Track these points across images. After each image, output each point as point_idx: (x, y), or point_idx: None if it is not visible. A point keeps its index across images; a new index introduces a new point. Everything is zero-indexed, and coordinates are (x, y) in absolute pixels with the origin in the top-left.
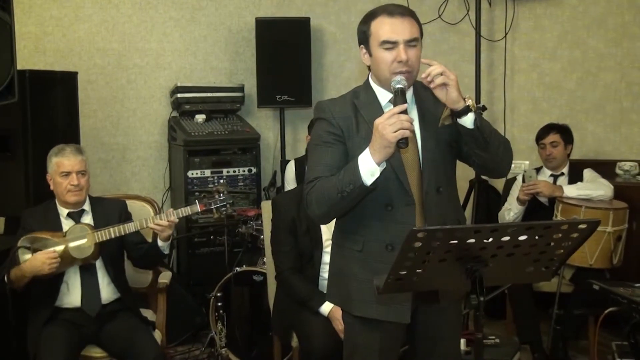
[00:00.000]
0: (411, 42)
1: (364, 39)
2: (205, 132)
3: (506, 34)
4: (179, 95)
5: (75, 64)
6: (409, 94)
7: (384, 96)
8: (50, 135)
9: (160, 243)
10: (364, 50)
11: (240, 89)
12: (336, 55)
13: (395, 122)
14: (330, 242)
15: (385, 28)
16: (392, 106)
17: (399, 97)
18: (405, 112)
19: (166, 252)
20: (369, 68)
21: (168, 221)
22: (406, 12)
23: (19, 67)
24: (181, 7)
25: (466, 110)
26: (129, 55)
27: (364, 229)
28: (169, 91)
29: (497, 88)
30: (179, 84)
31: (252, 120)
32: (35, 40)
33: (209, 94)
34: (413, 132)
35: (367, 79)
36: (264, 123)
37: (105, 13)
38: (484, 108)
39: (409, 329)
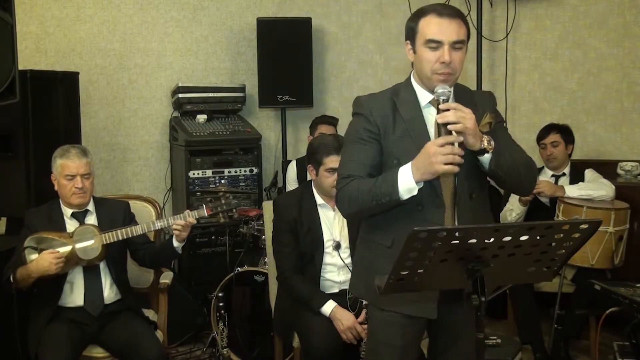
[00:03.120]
0: (456, 44)
1: (410, 35)
2: (206, 132)
3: (507, 34)
4: (180, 95)
5: (76, 64)
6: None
7: (424, 96)
8: (52, 136)
9: (175, 244)
10: (409, 47)
11: (242, 89)
12: (337, 55)
13: (448, 152)
14: (330, 242)
15: (433, 27)
16: (431, 108)
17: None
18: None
19: (180, 252)
20: (412, 65)
21: (186, 222)
22: (455, 14)
23: (20, 67)
24: (182, 7)
25: (482, 151)
26: (130, 55)
27: (394, 227)
28: (170, 91)
29: (499, 88)
30: (180, 84)
31: (253, 120)
32: (37, 40)
33: (210, 94)
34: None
35: (409, 77)
36: (265, 123)
37: (107, 13)
38: None
39: (431, 324)
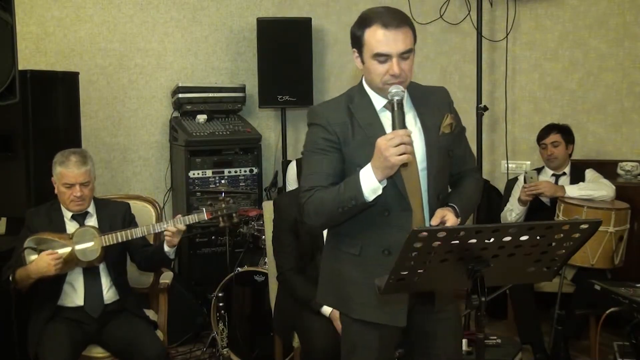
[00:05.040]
0: (405, 54)
1: (356, 44)
2: (206, 132)
3: (507, 34)
4: (180, 95)
5: (76, 64)
6: (405, 97)
7: (378, 101)
8: (52, 136)
9: (166, 249)
10: (357, 54)
11: (242, 89)
12: (337, 56)
13: (398, 144)
14: None
15: (379, 40)
16: (387, 112)
17: (397, 111)
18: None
19: (172, 257)
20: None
21: (175, 227)
22: (401, 22)
23: (20, 67)
24: (182, 7)
25: None
26: (130, 55)
27: (361, 234)
28: (170, 91)
29: (499, 88)
30: (180, 84)
31: (253, 120)
32: (37, 40)
33: (210, 94)
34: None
35: (361, 82)
36: (265, 123)
37: (107, 13)
38: (485, 108)
39: (405, 328)
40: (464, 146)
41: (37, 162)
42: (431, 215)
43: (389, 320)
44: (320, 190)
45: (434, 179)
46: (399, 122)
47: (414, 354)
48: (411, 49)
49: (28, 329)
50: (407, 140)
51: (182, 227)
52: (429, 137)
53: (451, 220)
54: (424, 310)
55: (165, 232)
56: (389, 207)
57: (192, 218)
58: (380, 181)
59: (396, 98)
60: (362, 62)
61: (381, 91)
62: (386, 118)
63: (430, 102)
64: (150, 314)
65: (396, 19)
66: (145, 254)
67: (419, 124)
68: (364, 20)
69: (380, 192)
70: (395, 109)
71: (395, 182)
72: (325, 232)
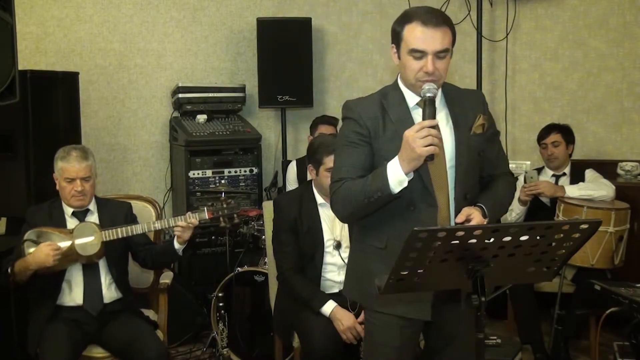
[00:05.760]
0: (441, 53)
1: (395, 39)
2: (206, 132)
3: (507, 34)
4: (180, 95)
5: (76, 64)
6: (438, 95)
7: (411, 98)
8: (52, 136)
9: (176, 246)
10: (394, 50)
11: (242, 89)
12: (337, 56)
13: (425, 136)
14: (331, 242)
15: (417, 37)
16: (419, 109)
17: (428, 106)
18: (434, 127)
19: (181, 254)
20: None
21: (188, 223)
22: (441, 22)
23: (20, 67)
24: (182, 7)
25: None
26: (130, 55)
27: (387, 228)
28: (170, 91)
29: (499, 88)
30: (180, 84)
31: (253, 120)
32: (37, 40)
33: (210, 94)
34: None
35: (397, 79)
36: (265, 123)
37: (107, 13)
38: None
39: (426, 325)
40: (497, 149)
41: (37, 161)
42: (457, 213)
43: (414, 314)
44: (348, 181)
45: (461, 177)
46: (429, 117)
47: (432, 351)
48: (448, 49)
49: (28, 328)
50: (434, 132)
51: (194, 221)
52: (460, 135)
53: (477, 219)
54: (445, 309)
55: (175, 228)
56: (415, 202)
57: (194, 216)
58: (406, 173)
59: (428, 95)
60: (399, 57)
61: (414, 88)
62: (418, 115)
63: (464, 103)
64: (150, 314)
65: (436, 18)
66: (152, 251)
67: (450, 123)
68: (405, 17)
69: (406, 184)
70: (427, 104)
71: (422, 176)
72: (325, 232)
